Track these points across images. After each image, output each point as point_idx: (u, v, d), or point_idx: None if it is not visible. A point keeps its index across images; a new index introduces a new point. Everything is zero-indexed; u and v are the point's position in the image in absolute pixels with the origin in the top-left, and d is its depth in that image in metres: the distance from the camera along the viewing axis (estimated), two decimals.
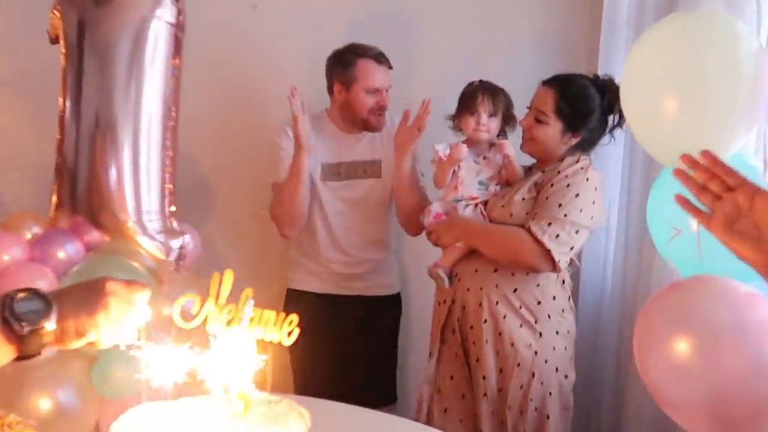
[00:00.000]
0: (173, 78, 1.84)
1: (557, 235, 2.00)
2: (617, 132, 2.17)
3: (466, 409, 2.16)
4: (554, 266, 2.04)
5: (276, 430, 1.12)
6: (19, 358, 0.99)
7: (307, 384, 2.47)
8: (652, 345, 1.66)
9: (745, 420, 1.55)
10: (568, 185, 2.04)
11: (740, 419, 1.55)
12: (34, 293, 1.00)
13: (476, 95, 2.20)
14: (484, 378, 2.10)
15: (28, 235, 1.78)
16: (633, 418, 2.38)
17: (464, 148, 2.19)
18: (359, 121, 2.51)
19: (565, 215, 2.01)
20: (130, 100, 1.81)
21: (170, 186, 1.84)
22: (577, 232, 2.03)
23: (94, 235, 1.72)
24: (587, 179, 2.06)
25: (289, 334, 1.17)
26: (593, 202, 2.06)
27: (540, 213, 2.04)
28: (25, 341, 0.97)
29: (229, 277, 1.18)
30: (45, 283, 1.60)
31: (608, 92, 2.09)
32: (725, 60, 1.67)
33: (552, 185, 2.05)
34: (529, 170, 2.24)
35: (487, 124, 2.19)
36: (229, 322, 1.17)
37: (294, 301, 2.61)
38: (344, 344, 2.55)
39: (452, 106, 2.28)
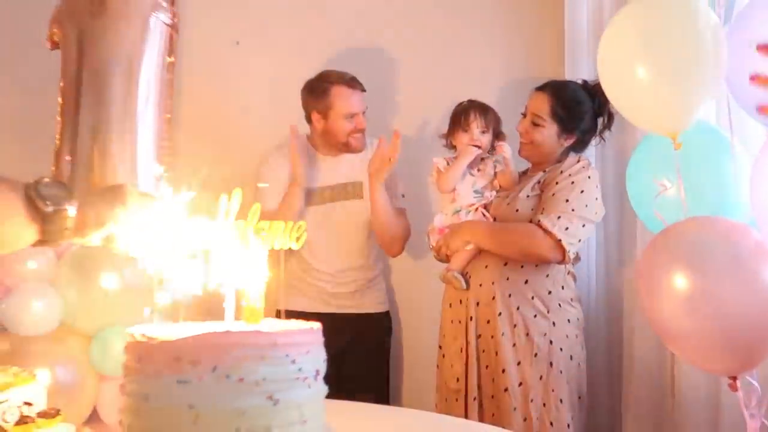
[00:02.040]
0: (168, 73, 1.93)
1: (566, 228, 2.06)
2: (606, 134, 2.27)
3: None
4: (564, 257, 2.09)
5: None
6: (41, 242, 1.01)
7: None
8: (655, 283, 1.70)
9: (754, 343, 1.58)
10: (573, 182, 2.11)
11: (750, 343, 1.58)
12: (57, 181, 1.04)
13: (468, 113, 2.29)
14: (503, 371, 2.09)
15: None
16: (631, 404, 2.36)
17: (474, 148, 2.24)
18: (340, 144, 2.59)
19: (573, 210, 2.08)
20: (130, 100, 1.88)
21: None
22: (584, 225, 2.10)
23: None
24: (589, 177, 2.14)
25: (298, 239, 1.20)
26: (596, 199, 2.14)
27: (548, 208, 2.10)
28: (48, 221, 1.00)
29: (237, 194, 1.22)
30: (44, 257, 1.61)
31: (597, 96, 2.17)
32: (688, 31, 1.82)
33: (557, 183, 2.12)
34: (524, 174, 2.31)
35: (479, 139, 2.28)
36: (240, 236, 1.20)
37: None
38: (335, 363, 2.52)
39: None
